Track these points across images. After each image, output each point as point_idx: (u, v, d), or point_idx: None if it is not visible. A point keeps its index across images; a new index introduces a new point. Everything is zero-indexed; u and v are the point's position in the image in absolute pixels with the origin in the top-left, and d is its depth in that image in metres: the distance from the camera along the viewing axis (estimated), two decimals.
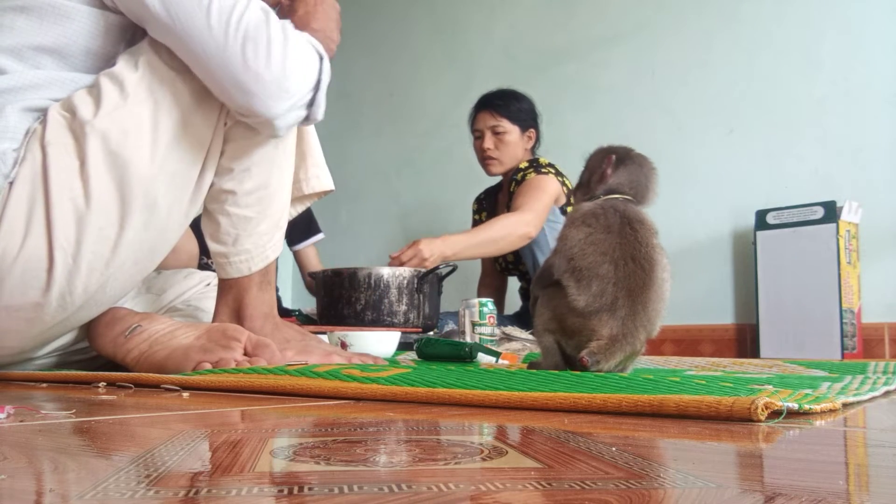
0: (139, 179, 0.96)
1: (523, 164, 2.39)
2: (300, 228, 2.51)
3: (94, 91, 0.98)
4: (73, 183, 0.95)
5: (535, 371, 0.93)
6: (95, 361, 1.18)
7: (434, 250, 2.06)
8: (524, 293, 2.63)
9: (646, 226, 0.99)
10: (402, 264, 2.02)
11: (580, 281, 0.95)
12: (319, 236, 2.62)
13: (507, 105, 2.43)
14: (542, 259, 1.07)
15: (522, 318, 2.35)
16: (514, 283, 2.74)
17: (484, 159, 2.47)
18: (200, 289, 1.39)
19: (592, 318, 0.94)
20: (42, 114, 0.99)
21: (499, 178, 2.59)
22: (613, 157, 1.05)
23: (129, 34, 1.06)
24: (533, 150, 2.50)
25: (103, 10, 1.01)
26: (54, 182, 0.94)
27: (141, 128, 0.97)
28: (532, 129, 2.46)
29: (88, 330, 1.10)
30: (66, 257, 0.95)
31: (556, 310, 0.97)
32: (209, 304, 1.27)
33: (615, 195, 1.02)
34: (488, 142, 2.44)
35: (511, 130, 2.42)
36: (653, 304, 0.95)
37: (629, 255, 0.95)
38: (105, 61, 1.03)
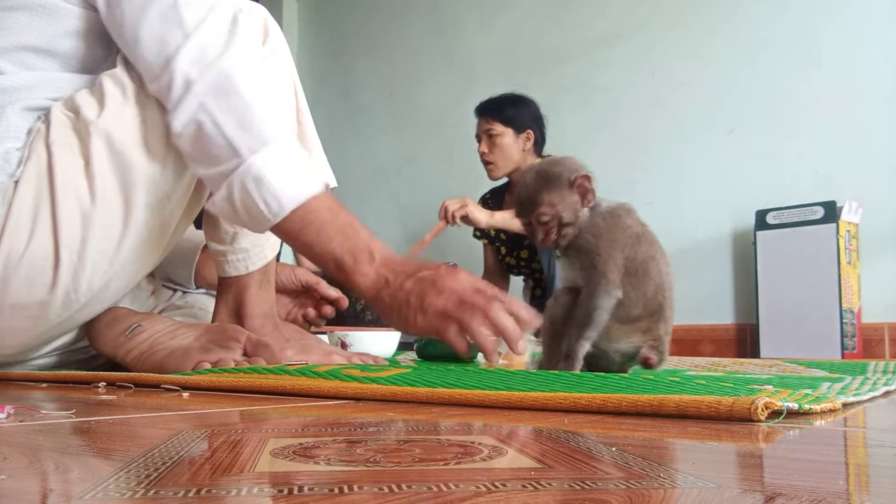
0: (143, 179, 0.96)
1: (537, 162, 2.40)
2: None
3: (97, 91, 0.98)
4: (78, 182, 0.95)
5: (535, 371, 0.93)
6: (95, 361, 1.18)
7: (478, 211, 2.32)
8: (531, 294, 2.62)
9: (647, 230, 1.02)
10: (446, 214, 2.29)
11: (635, 281, 0.98)
12: None
13: (499, 109, 2.45)
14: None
15: None
16: (516, 284, 2.74)
17: (483, 164, 2.49)
18: None
19: (644, 319, 0.97)
20: (43, 113, 0.99)
21: (504, 181, 2.60)
22: (586, 175, 0.99)
23: None
24: (538, 151, 2.50)
25: (91, 11, 1.00)
26: (60, 181, 0.94)
27: (144, 128, 0.97)
28: (529, 131, 2.46)
29: (88, 329, 1.10)
30: (72, 255, 0.95)
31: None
32: (209, 303, 1.27)
33: (609, 203, 1.03)
34: (483, 146, 2.46)
35: (503, 133, 2.43)
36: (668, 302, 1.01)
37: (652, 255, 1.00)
38: (99, 64, 1.03)
